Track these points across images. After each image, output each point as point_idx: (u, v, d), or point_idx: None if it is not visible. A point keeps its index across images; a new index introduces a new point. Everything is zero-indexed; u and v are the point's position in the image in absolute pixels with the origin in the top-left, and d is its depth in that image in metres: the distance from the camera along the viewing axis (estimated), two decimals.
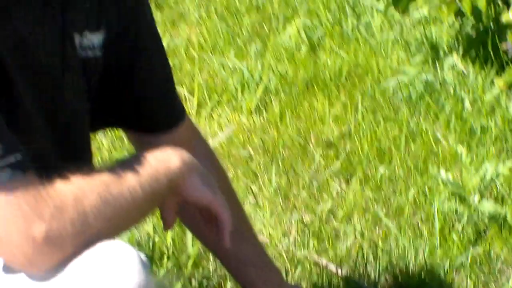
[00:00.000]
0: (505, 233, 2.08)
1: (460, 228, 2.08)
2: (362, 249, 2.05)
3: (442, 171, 2.21)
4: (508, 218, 2.10)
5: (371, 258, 2.02)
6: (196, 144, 1.56)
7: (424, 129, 2.50)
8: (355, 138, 2.51)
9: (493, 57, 2.73)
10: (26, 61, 1.18)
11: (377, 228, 2.13)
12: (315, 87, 2.79)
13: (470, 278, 1.95)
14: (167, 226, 1.29)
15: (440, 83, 2.69)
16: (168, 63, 1.46)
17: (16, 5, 1.17)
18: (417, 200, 2.21)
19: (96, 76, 1.32)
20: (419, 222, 2.14)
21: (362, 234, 2.12)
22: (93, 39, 1.28)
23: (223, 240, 1.29)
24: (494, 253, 2.02)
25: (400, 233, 2.08)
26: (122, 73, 1.37)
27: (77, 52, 1.25)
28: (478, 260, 2.00)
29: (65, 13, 1.21)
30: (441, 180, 2.19)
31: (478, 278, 1.97)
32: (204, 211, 1.30)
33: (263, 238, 2.05)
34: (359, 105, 2.64)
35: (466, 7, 2.71)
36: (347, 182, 2.33)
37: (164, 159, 1.24)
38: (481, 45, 2.78)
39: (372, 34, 3.08)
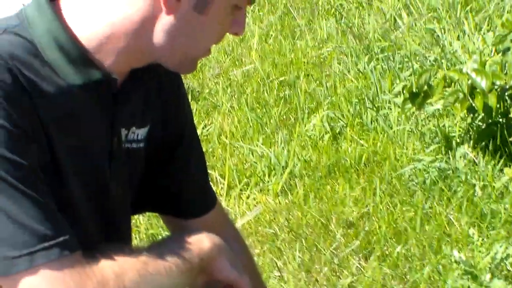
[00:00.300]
0: None
1: None
2: None
3: (455, 251, 2.19)
4: None
5: None
6: (226, 227, 1.56)
7: (438, 212, 2.50)
8: (374, 219, 2.50)
9: (502, 148, 2.71)
10: (78, 157, 1.20)
11: None
12: (337, 172, 2.79)
13: None
14: None
15: (452, 170, 2.69)
16: (202, 152, 1.47)
17: (83, 109, 1.18)
18: (432, 277, 2.20)
19: (138, 165, 1.34)
20: None
21: None
22: (139, 133, 1.30)
23: None
24: None
25: None
26: (163, 162, 1.38)
27: (122, 144, 1.27)
28: None
29: (116, 113, 1.23)
30: (454, 259, 2.16)
31: None
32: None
33: None
34: (377, 189, 2.63)
35: (478, 105, 2.70)
36: (366, 259, 2.33)
37: (198, 241, 1.27)
38: (491, 137, 2.76)
39: (389, 125, 3.07)
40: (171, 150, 1.37)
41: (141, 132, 1.30)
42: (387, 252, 2.33)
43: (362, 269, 2.27)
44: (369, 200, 2.61)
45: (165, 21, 1.15)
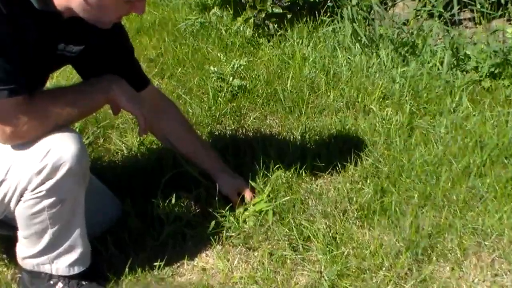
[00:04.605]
0: (246, 94, 2.18)
1: (223, 95, 2.17)
2: None
3: (212, 67, 2.28)
4: (248, 86, 2.22)
5: None
6: (161, 99, 1.58)
7: (201, 47, 2.57)
8: (165, 56, 2.51)
9: (239, 7, 2.71)
10: (36, 50, 1.18)
11: (179, 101, 2.17)
12: (141, 32, 2.75)
13: (231, 119, 2.07)
14: (114, 113, 1.32)
15: (209, 22, 2.77)
16: (132, 54, 1.42)
17: (42, 25, 1.16)
18: (199, 84, 2.27)
19: (66, 63, 1.32)
20: (202, 95, 2.19)
21: None
22: (75, 48, 1.27)
23: (139, 132, 1.32)
24: (242, 105, 2.15)
25: (191, 101, 2.13)
26: (104, 61, 1.33)
27: (61, 51, 1.24)
28: (234, 110, 2.12)
29: (61, 32, 1.21)
30: (211, 72, 2.27)
31: (235, 118, 2.08)
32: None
33: None
34: (166, 38, 2.67)
35: None
36: (162, 78, 2.36)
37: (107, 86, 1.26)
38: (229, 2, 2.76)
39: (169, 1, 3.01)
40: (109, 55, 1.34)
41: (76, 49, 1.28)
42: (174, 73, 2.42)
43: (160, 85, 2.33)
44: (161, 45, 2.65)
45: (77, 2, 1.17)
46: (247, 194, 1.65)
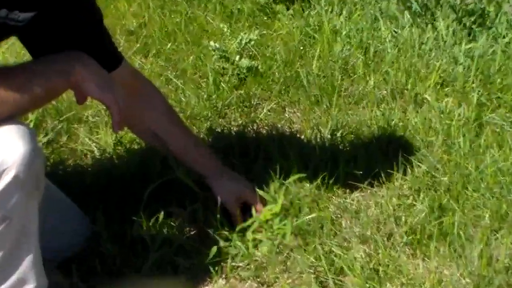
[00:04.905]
0: (258, 78, 2.29)
1: (227, 79, 2.28)
2: None
3: (212, 42, 2.38)
4: (259, 67, 2.32)
5: None
6: (138, 79, 1.60)
7: (198, 15, 2.67)
8: (149, 26, 2.62)
9: None
10: None
11: (169, 86, 2.27)
12: None
13: (237, 111, 2.15)
14: (79, 103, 1.33)
15: None
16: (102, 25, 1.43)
17: None
18: (196, 63, 2.38)
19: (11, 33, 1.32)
20: (199, 78, 2.31)
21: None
22: (21, 15, 1.25)
23: (113, 127, 1.33)
24: (252, 92, 2.24)
25: (185, 86, 2.25)
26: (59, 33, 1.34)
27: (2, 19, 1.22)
28: (242, 99, 2.21)
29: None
30: (212, 48, 2.37)
31: (243, 110, 2.16)
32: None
33: None
34: (150, 3, 2.74)
35: None
36: (146, 57, 2.47)
37: (68, 66, 1.26)
38: None
39: None
40: (69, 24, 1.34)
41: (23, 16, 1.25)
42: (161, 50, 2.48)
43: (143, 65, 2.42)
44: (145, 12, 2.71)
45: None
46: (255, 205, 1.67)
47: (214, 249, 1.62)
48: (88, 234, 1.64)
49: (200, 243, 1.66)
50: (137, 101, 1.59)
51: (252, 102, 2.22)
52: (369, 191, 1.83)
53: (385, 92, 2.22)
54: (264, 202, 1.70)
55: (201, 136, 2.03)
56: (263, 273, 1.60)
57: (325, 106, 2.16)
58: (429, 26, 2.45)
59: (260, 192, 1.72)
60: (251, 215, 1.68)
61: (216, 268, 1.59)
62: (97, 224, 1.66)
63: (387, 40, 2.41)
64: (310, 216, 1.69)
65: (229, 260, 1.61)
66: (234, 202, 1.67)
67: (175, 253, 1.63)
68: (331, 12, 2.57)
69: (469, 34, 2.41)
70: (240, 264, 1.61)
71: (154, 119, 1.64)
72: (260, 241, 1.66)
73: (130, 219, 1.67)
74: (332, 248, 1.63)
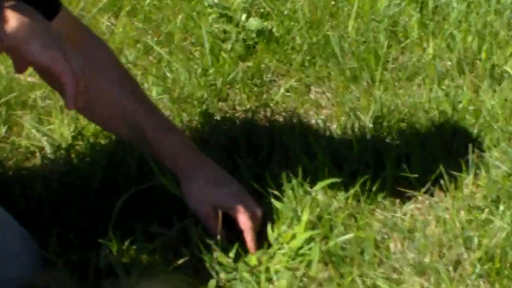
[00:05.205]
0: (273, 45, 2.30)
1: (229, 47, 2.29)
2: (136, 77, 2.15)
3: None
4: (274, 30, 2.34)
5: (146, 85, 2.16)
6: (80, 30, 1.65)
7: None
8: None
9: None
10: None
11: (149, 56, 2.30)
12: None
13: (243, 91, 2.17)
14: (17, 71, 1.38)
15: None
16: None
17: None
18: (187, 25, 2.39)
19: None
20: (190, 46, 2.33)
21: (134, 64, 2.27)
22: None
23: (67, 104, 1.38)
24: (264, 65, 2.24)
25: (172, 57, 2.26)
26: None
27: None
28: (250, 74, 2.22)
29: None
30: (208, 4, 2.38)
31: (251, 90, 2.18)
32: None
33: None
34: None
35: None
36: (116, 16, 2.47)
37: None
38: None
39: None
40: None
41: None
42: (138, 7, 2.49)
43: (113, 26, 2.42)
44: None
45: None
46: (239, 218, 1.68)
47: (213, 283, 1.63)
48: (35, 262, 1.65)
49: (192, 275, 1.66)
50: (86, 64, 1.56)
51: (264, 78, 2.24)
52: (427, 202, 1.83)
53: (449, 63, 2.22)
54: (257, 213, 1.71)
55: (194, 126, 2.04)
56: None
57: (365, 84, 2.16)
58: None
59: (277, 205, 1.74)
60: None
61: None
62: (50, 250, 1.67)
63: None
64: (345, 237, 1.71)
65: None
66: (209, 215, 1.69)
67: None
68: None
69: None
70: None
71: (98, 83, 1.66)
72: (277, 272, 1.66)
73: (95, 243, 1.68)
74: (377, 282, 1.64)
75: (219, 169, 1.75)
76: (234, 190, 1.72)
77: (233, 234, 1.71)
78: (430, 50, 2.27)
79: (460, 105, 2.06)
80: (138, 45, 2.34)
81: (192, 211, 1.70)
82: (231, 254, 1.67)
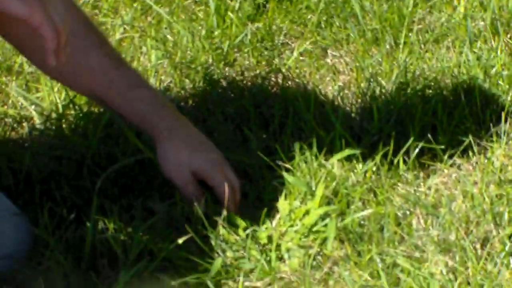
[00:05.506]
0: (286, 4, 2.32)
1: (237, 6, 2.30)
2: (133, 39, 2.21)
3: None
4: None
5: (144, 49, 2.20)
6: None
7: None
8: None
9: None
10: None
11: (148, 17, 2.32)
12: None
13: (253, 55, 2.19)
14: None
15: None
16: None
17: None
18: None
19: None
20: (193, 5, 2.35)
21: (131, 26, 2.29)
22: None
23: (47, 60, 1.39)
24: (276, 26, 2.27)
25: (172, 17, 2.28)
26: None
27: None
28: (260, 36, 2.25)
29: None
30: None
31: (261, 54, 2.20)
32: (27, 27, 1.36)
33: None
34: None
35: None
36: None
37: None
38: None
39: None
40: None
41: None
42: None
43: None
44: None
45: None
46: (221, 187, 1.72)
47: (219, 262, 1.65)
48: (28, 241, 1.69)
49: (196, 254, 1.67)
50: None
51: (276, 41, 2.27)
52: (453, 175, 1.85)
53: (482, 23, 2.24)
54: (235, 185, 1.74)
55: (197, 94, 2.06)
56: None
57: (388, 47, 2.19)
58: None
59: (290, 179, 1.76)
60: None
61: None
62: (40, 227, 1.70)
63: None
64: (363, 213, 1.74)
65: (241, 279, 1.64)
66: (188, 180, 1.72)
67: (159, 268, 1.65)
68: None
69: None
70: (258, 284, 1.65)
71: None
72: (288, 249, 1.70)
73: (89, 220, 1.70)
74: (397, 261, 1.65)
75: (198, 132, 1.77)
76: (215, 157, 1.75)
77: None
78: (461, 9, 2.29)
79: (493, 70, 2.09)
80: (135, 4, 2.36)
81: (166, 176, 1.72)
82: (239, 231, 1.71)
